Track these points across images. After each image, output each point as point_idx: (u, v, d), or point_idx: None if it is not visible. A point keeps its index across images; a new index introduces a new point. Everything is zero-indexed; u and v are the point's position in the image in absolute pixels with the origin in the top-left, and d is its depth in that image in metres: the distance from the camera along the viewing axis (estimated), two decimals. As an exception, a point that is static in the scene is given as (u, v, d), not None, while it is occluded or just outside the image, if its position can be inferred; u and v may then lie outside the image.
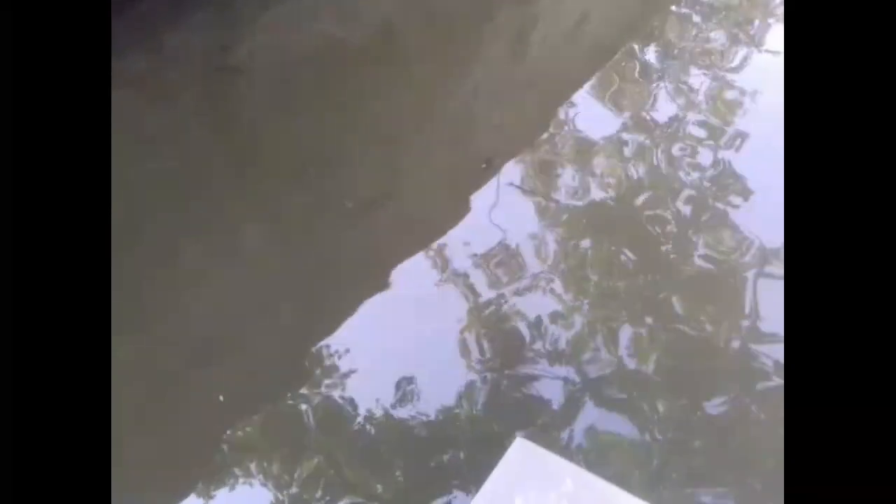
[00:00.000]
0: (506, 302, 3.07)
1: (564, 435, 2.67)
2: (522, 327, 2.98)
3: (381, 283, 3.12)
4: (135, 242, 3.09)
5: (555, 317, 3.03)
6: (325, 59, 4.19)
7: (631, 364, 2.87)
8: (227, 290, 3.03)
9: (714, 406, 2.75)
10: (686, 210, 3.48)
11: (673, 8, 4.99)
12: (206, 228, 3.23)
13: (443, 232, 3.34)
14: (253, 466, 2.56)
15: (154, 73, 4.02)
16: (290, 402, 2.74)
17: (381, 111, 3.89)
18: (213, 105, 3.87)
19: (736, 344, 2.91)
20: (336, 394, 2.77)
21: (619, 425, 2.69)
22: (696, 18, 4.85)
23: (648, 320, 3.01)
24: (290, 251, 3.23)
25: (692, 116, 4.03)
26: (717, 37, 4.58)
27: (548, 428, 2.68)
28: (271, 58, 4.14)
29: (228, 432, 2.63)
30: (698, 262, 3.22)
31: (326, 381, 2.80)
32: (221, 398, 2.64)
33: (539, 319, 3.01)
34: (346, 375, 2.82)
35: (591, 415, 2.72)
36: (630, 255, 3.29)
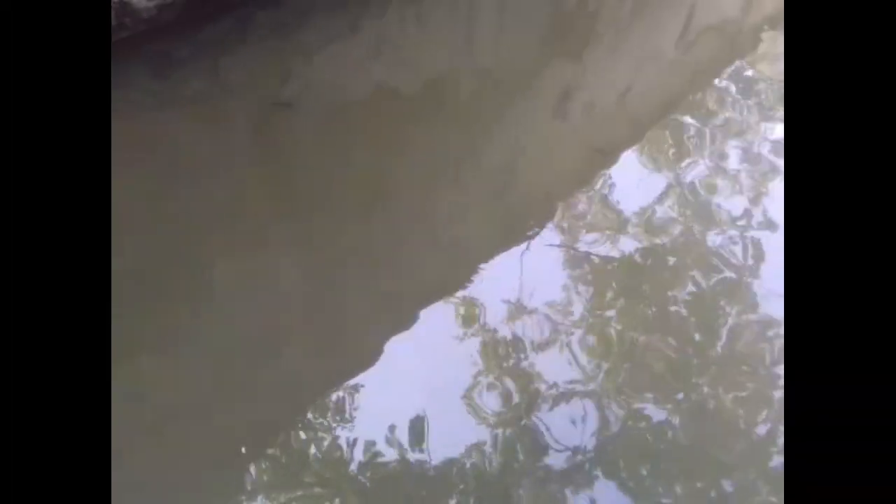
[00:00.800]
0: (527, 357, 3.02)
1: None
2: (541, 386, 2.93)
3: (407, 324, 3.09)
4: (171, 261, 3.11)
5: (574, 380, 2.97)
6: (375, 103, 4.22)
7: (648, 437, 2.80)
8: (255, 317, 3.01)
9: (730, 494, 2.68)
10: (716, 286, 3.43)
11: (715, 82, 4.99)
12: (240, 255, 3.23)
13: (473, 280, 3.32)
14: (260, 497, 2.52)
15: (209, 96, 4.08)
16: (302, 434, 2.71)
17: (423, 159, 3.91)
18: (262, 134, 3.89)
19: (762, 430, 2.84)
20: (347, 430, 2.73)
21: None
22: (737, 93, 4.85)
23: (678, 396, 2.95)
24: (321, 284, 3.22)
25: (727, 189, 4.01)
26: (757, 111, 4.57)
27: (553, 495, 2.62)
28: (324, 95, 4.18)
29: (239, 460, 2.60)
30: (725, 341, 3.17)
31: (339, 417, 2.76)
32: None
33: (558, 380, 2.96)
34: (361, 413, 2.78)
35: (598, 489, 2.66)
36: (656, 323, 3.24)
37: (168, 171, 3.56)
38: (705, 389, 2.96)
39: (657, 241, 3.69)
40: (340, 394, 2.81)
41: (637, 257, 3.57)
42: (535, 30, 5.24)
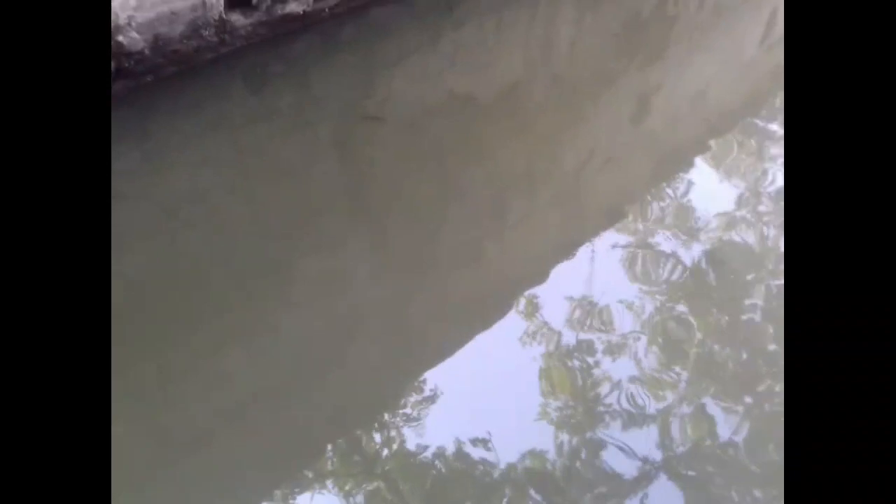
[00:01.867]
0: (596, 360, 3.00)
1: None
2: (605, 388, 2.90)
3: (475, 327, 3.11)
4: (257, 259, 3.24)
5: (640, 383, 2.92)
6: (453, 111, 4.25)
7: (716, 445, 2.72)
8: (333, 312, 3.10)
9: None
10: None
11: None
12: (320, 256, 3.33)
13: (543, 282, 3.31)
14: (329, 483, 2.58)
15: (299, 108, 4.23)
16: (371, 429, 2.75)
17: (498, 164, 3.92)
18: (345, 143, 3.98)
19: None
20: (413, 429, 2.75)
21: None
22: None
23: (747, 399, 2.86)
24: (395, 284, 3.28)
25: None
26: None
27: (614, 496, 2.57)
28: (404, 105, 4.25)
29: (311, 447, 2.68)
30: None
31: (406, 412, 2.79)
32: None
33: (624, 383, 2.91)
34: (427, 412, 2.79)
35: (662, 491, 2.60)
36: (728, 329, 3.15)
37: (258, 176, 3.71)
38: (776, 400, 2.86)
39: (731, 246, 3.59)
40: (409, 393, 2.86)
41: (709, 263, 3.48)
42: (612, 37, 5.17)
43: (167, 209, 3.43)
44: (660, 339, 3.10)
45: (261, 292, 3.11)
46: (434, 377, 2.90)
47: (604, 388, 2.89)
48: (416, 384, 2.88)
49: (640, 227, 3.68)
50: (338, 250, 3.37)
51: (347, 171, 3.86)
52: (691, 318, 3.20)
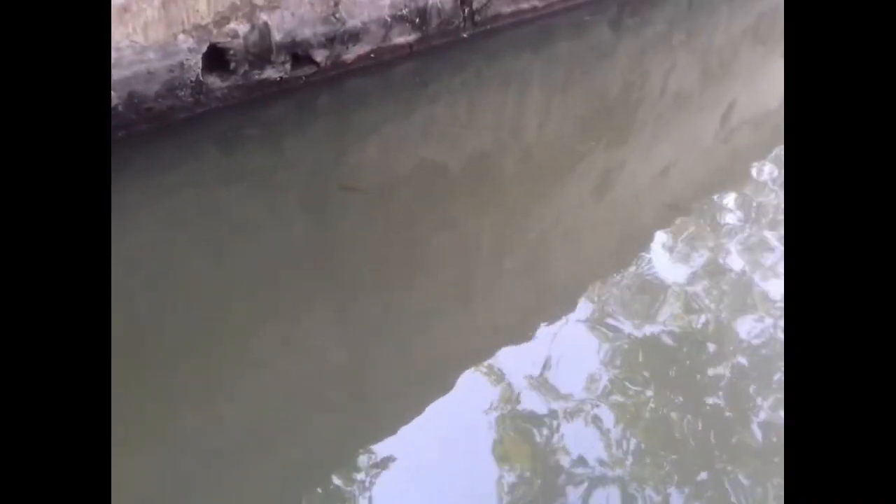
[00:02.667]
0: (553, 431, 2.91)
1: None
2: (563, 458, 2.80)
3: (437, 394, 3.01)
4: (218, 321, 3.13)
5: (598, 457, 2.83)
6: (423, 180, 4.24)
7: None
8: (292, 376, 2.98)
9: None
10: (747, 369, 3.28)
11: (754, 167, 4.93)
12: (283, 319, 3.23)
13: (504, 352, 3.24)
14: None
15: (269, 170, 4.19)
16: (322, 498, 2.61)
17: (466, 234, 3.89)
18: (314, 208, 3.94)
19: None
20: (366, 496, 2.60)
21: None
22: (772, 182, 4.76)
23: (703, 475, 2.78)
24: (357, 350, 3.18)
25: (759, 276, 3.88)
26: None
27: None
28: (375, 174, 4.24)
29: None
30: (755, 430, 2.99)
31: (360, 479, 2.65)
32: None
33: (583, 455, 2.82)
34: (381, 476, 2.65)
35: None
36: (683, 403, 3.10)
37: (226, 236, 3.63)
38: (732, 476, 2.79)
39: (690, 322, 3.58)
40: (364, 462, 2.73)
41: (668, 338, 3.45)
42: (578, 119, 5.28)
43: (130, 265, 3.32)
44: (618, 411, 3.03)
45: (219, 353, 2.98)
46: (391, 445, 2.76)
47: (561, 458, 2.78)
48: (371, 453, 2.75)
49: (602, 299, 3.66)
50: (301, 314, 3.28)
51: (315, 235, 3.80)
52: (650, 392, 3.15)
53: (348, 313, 3.37)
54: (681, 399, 3.12)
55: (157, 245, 3.49)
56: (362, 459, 2.72)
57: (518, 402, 3.03)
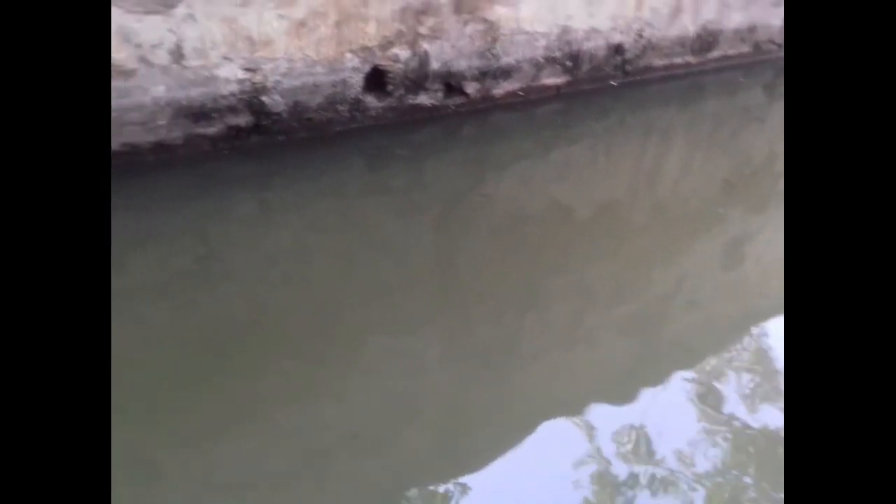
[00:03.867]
0: (644, 495, 2.77)
1: None
2: None
3: (526, 434, 2.95)
4: (335, 320, 3.22)
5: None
6: (551, 219, 4.20)
7: None
8: (395, 388, 3.00)
9: None
10: None
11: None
12: (394, 327, 3.25)
13: (600, 404, 3.13)
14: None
15: (408, 189, 4.29)
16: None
17: (584, 278, 3.82)
18: (443, 230, 3.97)
19: None
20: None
21: None
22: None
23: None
24: (460, 373, 3.18)
25: None
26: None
27: None
28: (506, 205, 4.27)
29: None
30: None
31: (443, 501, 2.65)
32: None
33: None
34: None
35: None
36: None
37: (357, 245, 3.75)
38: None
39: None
40: (452, 486, 2.71)
41: (778, 428, 3.21)
42: (718, 178, 5.06)
43: (270, 259, 3.49)
44: (711, 491, 2.85)
45: (331, 355, 3.06)
46: (480, 475, 2.74)
47: None
48: (459, 479, 2.73)
49: (713, 374, 3.46)
50: (414, 329, 3.32)
51: (440, 256, 3.85)
52: (748, 482, 2.94)
53: (457, 335, 3.39)
54: (777, 498, 2.89)
55: (297, 244, 3.65)
56: (448, 481, 2.70)
57: (607, 461, 2.91)
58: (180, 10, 3.78)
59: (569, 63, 5.41)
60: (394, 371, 3.08)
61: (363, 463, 2.71)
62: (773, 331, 3.79)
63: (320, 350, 3.06)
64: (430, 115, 4.83)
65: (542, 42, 5.23)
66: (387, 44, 4.56)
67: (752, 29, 6.51)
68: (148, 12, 3.70)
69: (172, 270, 3.39)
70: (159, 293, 3.22)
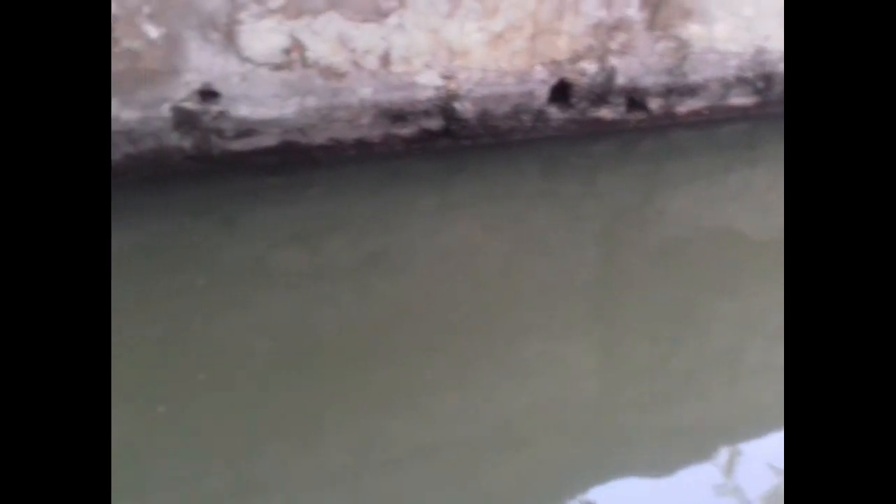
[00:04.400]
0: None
1: None
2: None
3: (669, 458, 2.92)
4: (491, 315, 3.37)
5: None
6: (720, 242, 4.10)
7: None
8: (540, 391, 3.05)
9: None
10: None
11: None
12: (544, 330, 3.34)
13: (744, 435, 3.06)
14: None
15: (578, 198, 4.37)
16: None
17: (747, 308, 3.71)
18: (608, 240, 4.06)
19: None
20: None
21: None
22: None
23: None
24: (609, 386, 3.18)
25: None
26: None
27: None
28: (675, 224, 4.23)
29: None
30: None
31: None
32: None
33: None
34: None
35: None
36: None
37: (520, 247, 3.92)
38: None
39: None
40: (582, 498, 2.73)
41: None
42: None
43: (443, 253, 3.74)
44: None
45: (486, 352, 3.18)
46: (620, 493, 2.69)
47: None
48: (594, 492, 2.69)
49: None
50: (570, 337, 3.36)
51: (603, 267, 3.92)
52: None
53: (613, 348, 3.43)
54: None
55: (468, 241, 3.87)
56: (584, 492, 2.71)
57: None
58: (392, 20, 4.16)
59: (760, 84, 5.22)
60: (545, 375, 3.15)
61: (506, 459, 2.78)
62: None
63: (477, 346, 3.22)
64: (609, 129, 4.89)
65: (735, 62, 5.09)
66: (576, 58, 4.70)
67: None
68: (365, 20, 4.12)
69: (359, 255, 3.74)
70: (346, 275, 3.57)
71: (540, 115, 4.70)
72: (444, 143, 4.49)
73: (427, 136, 4.47)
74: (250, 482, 2.47)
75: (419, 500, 2.54)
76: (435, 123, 4.46)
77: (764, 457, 2.96)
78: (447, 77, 4.40)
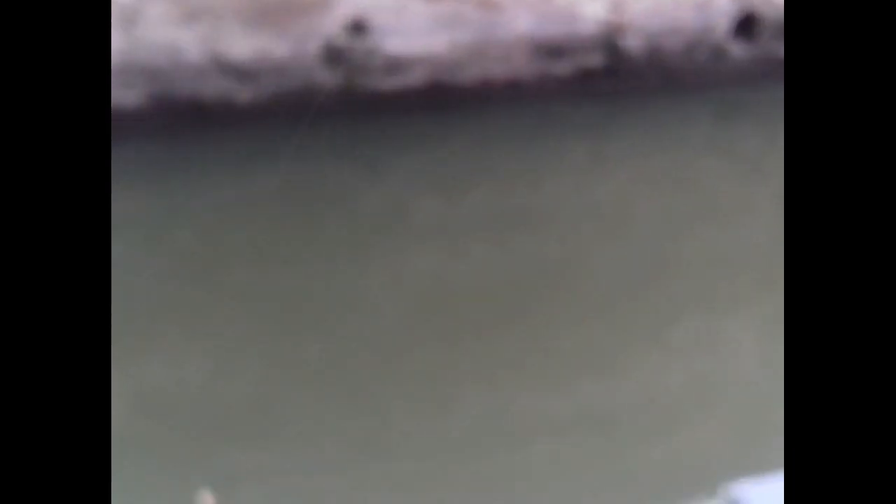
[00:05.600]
0: None
1: None
2: None
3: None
4: (639, 293, 3.05)
5: None
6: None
7: None
8: (694, 371, 2.79)
9: None
10: None
11: None
12: (711, 305, 3.01)
13: None
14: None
15: (759, 154, 3.81)
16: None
17: None
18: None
19: None
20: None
21: None
22: None
23: None
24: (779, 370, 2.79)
25: None
26: None
27: None
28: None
29: None
30: None
31: None
32: None
33: None
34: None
35: None
36: None
37: (688, 208, 3.47)
38: None
39: None
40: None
41: None
42: None
43: (591, 211, 3.40)
44: None
45: (636, 323, 2.89)
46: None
47: None
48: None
49: None
50: (732, 311, 2.98)
51: (780, 233, 3.38)
52: None
53: (775, 323, 2.95)
54: None
55: (621, 199, 3.50)
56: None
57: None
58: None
59: None
60: (701, 352, 2.83)
61: (644, 437, 2.55)
62: None
63: (626, 316, 2.93)
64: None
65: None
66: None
67: None
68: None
69: (498, 211, 3.49)
70: (485, 229, 3.34)
71: (719, 52, 4.04)
72: (606, 85, 3.99)
73: (586, 76, 4.01)
74: (373, 444, 2.38)
75: (544, 477, 2.35)
76: (597, 60, 3.97)
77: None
78: (614, 7, 3.86)
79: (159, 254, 3.07)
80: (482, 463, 2.36)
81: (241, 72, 3.70)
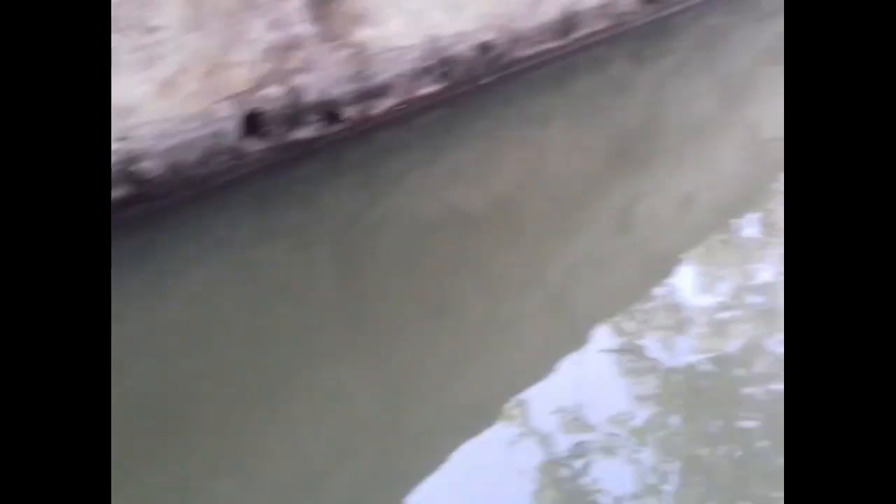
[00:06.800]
0: (588, 469, 2.64)
1: None
2: (600, 497, 2.54)
3: (465, 437, 2.80)
4: (246, 381, 3.00)
5: (633, 490, 2.56)
6: (447, 224, 4.13)
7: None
8: (328, 428, 2.82)
9: None
10: (781, 392, 2.94)
11: (773, 187, 4.58)
12: (314, 370, 3.10)
13: (533, 389, 3.01)
14: None
15: (301, 226, 4.09)
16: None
17: (491, 275, 3.70)
18: (343, 259, 3.88)
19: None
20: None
21: None
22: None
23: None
24: (390, 398, 3.00)
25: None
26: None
27: None
28: (402, 220, 4.13)
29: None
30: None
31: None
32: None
33: (616, 491, 2.54)
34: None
35: None
36: (717, 431, 2.79)
37: (257, 296, 3.54)
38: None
39: (720, 348, 3.27)
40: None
41: (700, 365, 3.15)
42: (600, 151, 5.03)
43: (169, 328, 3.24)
44: (652, 444, 2.75)
45: (255, 414, 2.87)
46: (428, 489, 2.59)
47: (596, 496, 2.56)
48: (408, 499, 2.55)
49: (630, 330, 3.39)
50: (336, 366, 3.13)
51: (345, 287, 3.69)
52: (684, 422, 2.86)
53: (380, 362, 3.21)
54: (715, 426, 2.82)
55: (190, 310, 3.39)
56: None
57: (549, 440, 2.79)
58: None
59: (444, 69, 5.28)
60: (323, 411, 2.90)
61: None
62: (676, 283, 3.76)
63: (244, 412, 2.86)
64: (313, 148, 4.63)
65: (415, 54, 5.08)
66: (258, 86, 4.32)
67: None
68: None
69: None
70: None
71: (237, 153, 4.27)
72: (134, 212, 3.84)
73: (118, 206, 3.79)
74: None
75: None
76: (121, 192, 3.81)
77: (546, 412, 2.93)
78: (123, 138, 3.78)
79: None
80: None
81: None
